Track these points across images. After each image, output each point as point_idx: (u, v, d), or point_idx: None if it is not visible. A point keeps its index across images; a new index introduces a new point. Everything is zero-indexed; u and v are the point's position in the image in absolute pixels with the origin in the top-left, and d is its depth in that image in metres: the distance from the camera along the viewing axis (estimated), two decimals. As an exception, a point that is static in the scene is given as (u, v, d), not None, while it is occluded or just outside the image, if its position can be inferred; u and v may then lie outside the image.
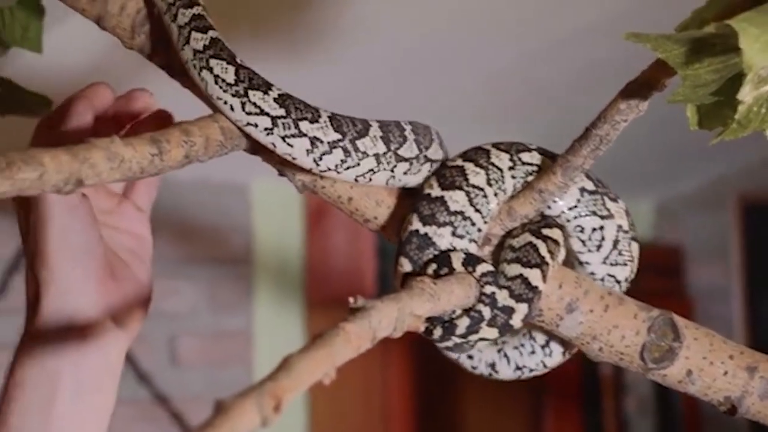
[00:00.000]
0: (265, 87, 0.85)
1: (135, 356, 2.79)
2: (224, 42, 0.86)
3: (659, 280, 3.59)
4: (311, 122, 0.85)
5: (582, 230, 0.91)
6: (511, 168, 0.89)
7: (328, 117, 0.86)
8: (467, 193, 0.88)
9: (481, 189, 0.88)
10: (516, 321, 0.86)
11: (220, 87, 0.84)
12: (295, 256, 3.06)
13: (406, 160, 0.88)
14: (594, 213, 0.91)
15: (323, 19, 2.20)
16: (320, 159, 0.85)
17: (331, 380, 0.64)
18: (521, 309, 0.86)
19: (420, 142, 0.90)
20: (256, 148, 0.88)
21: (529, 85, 2.71)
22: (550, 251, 0.88)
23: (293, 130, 0.84)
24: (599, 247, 0.91)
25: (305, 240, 3.05)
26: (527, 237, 0.89)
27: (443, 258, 0.86)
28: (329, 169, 0.86)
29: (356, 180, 0.88)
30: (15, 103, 1.11)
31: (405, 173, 0.89)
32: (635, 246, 0.93)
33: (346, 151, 0.86)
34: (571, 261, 0.93)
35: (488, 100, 2.76)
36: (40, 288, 0.89)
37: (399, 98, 2.60)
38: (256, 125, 0.84)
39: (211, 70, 0.85)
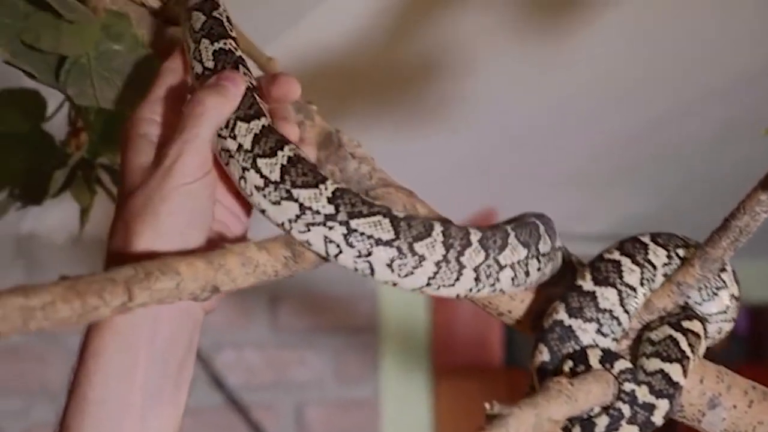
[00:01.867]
0: (389, 214, 0.83)
1: (262, 425, 2.81)
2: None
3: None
4: (423, 239, 0.83)
5: (720, 332, 0.90)
6: (665, 264, 0.88)
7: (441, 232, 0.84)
8: (619, 292, 0.87)
9: (633, 288, 0.87)
10: (657, 418, 0.84)
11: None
12: (421, 324, 3.05)
13: (508, 266, 0.85)
14: (733, 319, 0.90)
15: (446, 90, 2.21)
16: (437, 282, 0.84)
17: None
18: (662, 405, 0.84)
19: (526, 243, 0.86)
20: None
21: (653, 149, 2.68)
22: (690, 345, 0.86)
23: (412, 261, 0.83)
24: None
25: (430, 307, 3.04)
26: (667, 330, 0.87)
27: (580, 355, 0.85)
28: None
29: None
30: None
31: (512, 278, 0.86)
32: None
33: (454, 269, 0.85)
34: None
35: (609, 165, 2.74)
36: (131, 243, 0.82)
37: (521, 164, 2.60)
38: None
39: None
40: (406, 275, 0.82)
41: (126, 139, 0.86)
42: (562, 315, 0.86)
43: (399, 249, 0.81)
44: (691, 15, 2.15)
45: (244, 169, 0.82)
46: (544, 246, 0.88)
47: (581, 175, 2.74)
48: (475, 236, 0.84)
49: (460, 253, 0.83)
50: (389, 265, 0.81)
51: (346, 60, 2.05)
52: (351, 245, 0.81)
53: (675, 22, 2.16)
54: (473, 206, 2.76)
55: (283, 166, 0.81)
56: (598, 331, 0.86)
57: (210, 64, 0.86)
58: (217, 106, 0.84)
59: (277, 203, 0.81)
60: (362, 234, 0.81)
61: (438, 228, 0.83)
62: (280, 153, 0.82)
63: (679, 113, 2.47)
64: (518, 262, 0.85)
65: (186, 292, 0.72)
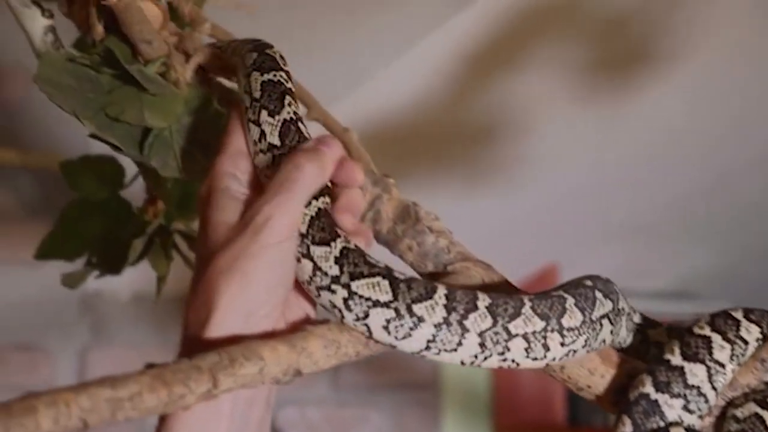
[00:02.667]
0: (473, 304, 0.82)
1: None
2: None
3: None
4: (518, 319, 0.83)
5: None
6: (758, 340, 0.87)
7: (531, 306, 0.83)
8: (708, 369, 0.85)
9: (722, 365, 0.86)
10: (742, 497, 0.83)
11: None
12: (483, 381, 3.02)
13: (520, 336, 0.83)
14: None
15: (507, 149, 2.21)
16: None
17: None
18: (747, 485, 0.83)
19: (544, 315, 0.83)
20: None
21: (716, 205, 2.66)
22: (776, 423, 0.85)
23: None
24: None
25: (491, 363, 3.02)
26: (752, 407, 0.85)
27: (664, 431, 0.83)
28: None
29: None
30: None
31: (526, 350, 0.83)
32: None
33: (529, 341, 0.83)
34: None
35: (670, 220, 2.72)
36: (215, 301, 0.81)
37: (582, 221, 2.59)
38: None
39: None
40: (404, 338, 0.80)
41: (207, 195, 0.85)
42: (648, 388, 0.85)
43: (396, 310, 0.80)
44: (756, 71, 2.14)
45: None
46: (597, 311, 0.86)
47: (643, 231, 2.72)
48: (483, 302, 0.81)
49: (464, 317, 0.80)
50: (386, 327, 0.80)
51: (409, 121, 2.06)
52: (350, 309, 0.80)
53: (740, 79, 2.15)
54: (535, 263, 2.75)
55: (311, 218, 0.82)
56: (685, 408, 0.84)
57: (257, 95, 0.86)
58: (316, 175, 0.83)
59: (297, 259, 0.82)
60: (360, 296, 0.80)
61: (441, 291, 0.81)
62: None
63: (744, 170, 2.45)
64: (533, 333, 0.82)
65: (269, 377, 0.72)
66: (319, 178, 0.84)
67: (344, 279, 0.80)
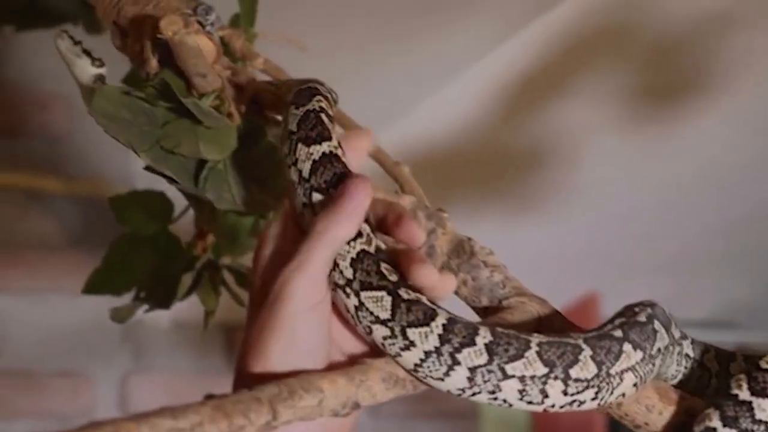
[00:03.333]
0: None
1: None
2: None
3: None
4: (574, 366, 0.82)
5: None
6: None
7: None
8: None
9: None
10: None
11: None
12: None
13: (516, 378, 0.80)
14: None
15: (551, 178, 2.21)
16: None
17: None
18: None
19: (549, 362, 0.80)
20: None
21: (758, 235, 2.64)
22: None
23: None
24: None
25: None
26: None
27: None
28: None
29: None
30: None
31: (520, 392, 0.80)
32: None
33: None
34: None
35: (712, 250, 2.71)
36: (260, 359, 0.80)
37: (624, 250, 2.58)
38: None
39: None
40: (395, 355, 0.79)
41: (260, 239, 0.84)
42: (715, 423, 0.84)
43: (392, 330, 0.78)
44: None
45: None
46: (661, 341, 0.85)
47: (686, 261, 2.71)
48: (483, 338, 0.78)
49: (457, 350, 0.78)
50: (383, 344, 0.79)
51: (454, 149, 2.06)
52: (359, 321, 0.79)
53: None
54: (577, 291, 2.74)
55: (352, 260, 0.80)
56: (753, 443, 0.83)
57: (307, 173, 0.81)
58: (336, 236, 0.78)
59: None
60: (366, 310, 0.79)
61: (441, 320, 0.78)
62: None
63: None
64: (531, 378, 0.79)
65: (327, 409, 0.72)
66: (342, 234, 0.79)
67: (356, 286, 0.79)
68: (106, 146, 1.15)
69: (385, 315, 0.78)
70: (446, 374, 0.78)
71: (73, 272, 2.33)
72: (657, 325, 0.85)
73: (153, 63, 0.95)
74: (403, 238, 0.84)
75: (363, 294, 0.79)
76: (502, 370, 0.78)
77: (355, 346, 0.83)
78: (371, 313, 0.78)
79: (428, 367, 0.78)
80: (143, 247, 1.13)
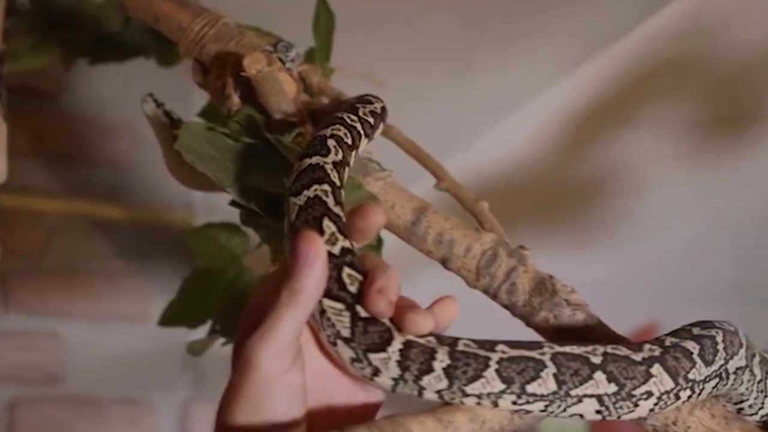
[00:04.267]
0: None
1: None
2: None
3: None
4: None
5: None
6: None
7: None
8: None
9: None
10: None
11: None
12: (580, 429, 2.99)
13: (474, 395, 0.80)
14: None
15: (612, 208, 2.20)
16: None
17: None
18: None
19: (508, 378, 0.79)
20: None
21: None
22: None
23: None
24: None
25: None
26: None
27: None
28: None
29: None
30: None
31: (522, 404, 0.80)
32: None
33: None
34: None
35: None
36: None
37: (685, 280, 2.56)
38: None
39: None
40: (369, 379, 0.78)
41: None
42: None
43: (356, 353, 0.78)
44: None
45: None
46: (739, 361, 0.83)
47: (747, 292, 2.69)
48: (440, 363, 0.77)
49: (418, 378, 0.77)
50: (353, 365, 0.78)
51: (516, 180, 2.06)
52: (324, 328, 0.79)
53: None
54: (636, 320, 2.72)
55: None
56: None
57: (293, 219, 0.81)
58: (292, 298, 0.76)
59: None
60: (328, 319, 0.78)
61: (397, 344, 0.77)
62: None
63: None
64: (487, 394, 0.78)
65: (416, 450, 0.72)
66: (304, 301, 0.76)
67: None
68: (167, 175, 1.16)
69: (346, 333, 0.77)
70: (420, 396, 0.78)
71: (134, 299, 2.35)
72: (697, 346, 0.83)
73: (235, 99, 0.96)
74: (441, 320, 0.81)
75: (324, 301, 0.78)
76: (462, 391, 0.78)
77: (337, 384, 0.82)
78: (333, 326, 0.78)
79: (402, 389, 0.78)
80: (218, 280, 1.13)
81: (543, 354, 0.79)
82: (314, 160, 0.84)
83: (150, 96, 1.13)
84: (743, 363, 0.86)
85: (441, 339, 0.78)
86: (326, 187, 0.82)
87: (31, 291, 2.23)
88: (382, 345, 0.77)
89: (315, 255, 0.76)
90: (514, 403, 0.78)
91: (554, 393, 0.79)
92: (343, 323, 0.77)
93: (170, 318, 1.19)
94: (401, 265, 1.57)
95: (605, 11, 1.75)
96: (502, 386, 0.77)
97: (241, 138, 0.93)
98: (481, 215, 0.98)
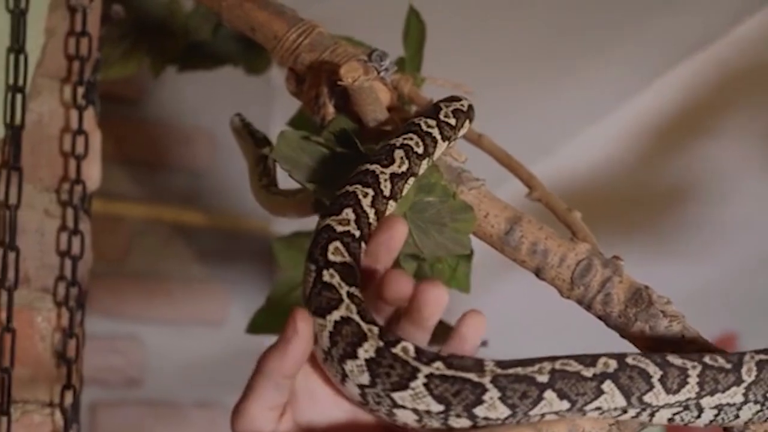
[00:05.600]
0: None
1: None
2: None
3: None
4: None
5: None
6: None
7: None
8: None
9: None
10: None
11: None
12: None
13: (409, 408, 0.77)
14: None
15: (694, 215, 2.18)
16: None
17: None
18: None
19: (441, 397, 0.76)
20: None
21: None
22: None
23: None
24: None
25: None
26: None
27: None
28: None
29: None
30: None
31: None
32: None
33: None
34: None
35: None
36: None
37: (764, 290, 2.52)
38: None
39: None
40: (341, 383, 0.78)
41: None
42: None
43: (330, 358, 0.77)
44: None
45: None
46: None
47: None
48: (366, 351, 0.76)
49: (390, 392, 0.76)
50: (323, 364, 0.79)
51: (598, 187, 2.05)
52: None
53: None
54: (714, 330, 2.69)
55: None
56: None
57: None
58: (269, 366, 0.77)
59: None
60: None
61: (363, 353, 0.76)
62: None
63: None
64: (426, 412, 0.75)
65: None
66: (282, 371, 0.77)
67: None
68: (245, 181, 1.18)
69: (325, 344, 0.77)
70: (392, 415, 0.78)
71: (213, 304, 2.38)
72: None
73: (330, 109, 0.96)
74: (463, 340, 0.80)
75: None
76: (391, 398, 0.76)
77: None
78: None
79: (371, 402, 0.77)
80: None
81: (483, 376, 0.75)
82: (372, 167, 0.86)
83: (237, 116, 1.15)
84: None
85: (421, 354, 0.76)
86: (369, 190, 0.84)
87: (113, 295, 2.26)
88: (353, 353, 0.76)
89: (293, 333, 0.76)
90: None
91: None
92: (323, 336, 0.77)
93: (258, 326, 1.20)
94: (493, 275, 1.57)
95: (693, 17, 1.74)
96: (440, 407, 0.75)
97: (335, 147, 0.93)
98: (574, 225, 0.98)
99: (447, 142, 0.94)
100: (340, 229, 0.82)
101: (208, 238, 2.38)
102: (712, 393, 0.80)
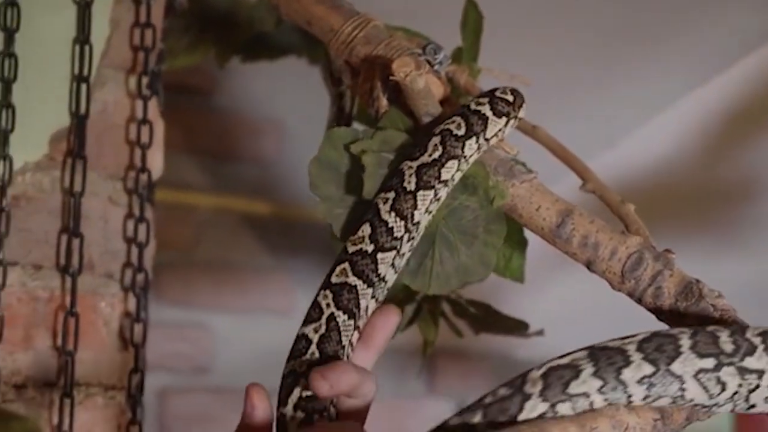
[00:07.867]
0: None
1: None
2: None
3: None
4: None
5: None
6: None
7: None
8: None
9: None
10: None
11: None
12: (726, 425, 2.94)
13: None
14: None
15: (762, 211, 2.15)
16: None
17: None
18: None
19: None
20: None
21: None
22: None
23: None
24: None
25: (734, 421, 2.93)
26: None
27: None
28: None
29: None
30: (490, 324, 1.14)
31: None
32: None
33: None
34: None
35: None
36: None
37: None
38: None
39: None
40: None
41: None
42: None
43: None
44: None
45: None
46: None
47: None
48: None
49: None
50: None
51: (658, 182, 2.03)
52: None
53: None
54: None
55: None
56: None
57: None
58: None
59: None
60: None
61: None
62: None
63: None
64: None
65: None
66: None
67: None
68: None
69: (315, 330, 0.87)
70: None
71: (280, 293, 2.40)
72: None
73: (383, 102, 0.97)
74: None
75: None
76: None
77: None
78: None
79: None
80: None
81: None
82: (402, 165, 0.89)
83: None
84: None
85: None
86: (390, 194, 0.88)
87: (182, 284, 2.29)
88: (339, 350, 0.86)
89: (253, 409, 0.84)
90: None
91: None
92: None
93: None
94: (545, 267, 1.57)
95: (755, 12, 1.72)
96: None
97: (381, 151, 0.93)
98: (627, 218, 0.98)
99: (505, 119, 0.93)
100: (352, 249, 0.88)
101: (276, 228, 2.41)
102: None
